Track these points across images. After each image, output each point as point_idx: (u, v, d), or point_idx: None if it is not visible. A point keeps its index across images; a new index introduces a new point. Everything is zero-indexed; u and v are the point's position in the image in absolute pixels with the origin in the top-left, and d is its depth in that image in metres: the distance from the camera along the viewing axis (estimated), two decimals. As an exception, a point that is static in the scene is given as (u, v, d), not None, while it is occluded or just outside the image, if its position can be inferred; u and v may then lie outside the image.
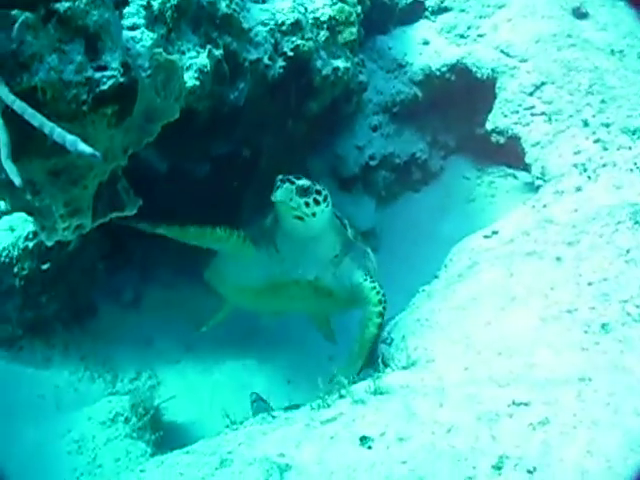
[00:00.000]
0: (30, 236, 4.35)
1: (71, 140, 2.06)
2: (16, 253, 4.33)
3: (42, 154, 2.52)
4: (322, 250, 4.15)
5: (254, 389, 4.67)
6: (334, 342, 4.99)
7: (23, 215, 4.40)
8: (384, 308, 4.10)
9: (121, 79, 2.43)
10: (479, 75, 5.90)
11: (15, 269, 4.35)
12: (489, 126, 5.76)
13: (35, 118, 2.11)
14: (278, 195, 3.76)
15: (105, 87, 2.41)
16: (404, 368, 3.06)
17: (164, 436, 4.17)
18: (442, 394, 2.69)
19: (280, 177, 3.83)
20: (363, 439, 2.49)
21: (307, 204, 3.84)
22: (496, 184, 6.33)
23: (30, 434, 4.10)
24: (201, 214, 4.61)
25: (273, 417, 3.00)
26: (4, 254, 4.33)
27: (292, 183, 3.80)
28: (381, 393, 2.76)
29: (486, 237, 4.37)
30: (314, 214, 3.88)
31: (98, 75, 2.41)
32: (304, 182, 3.84)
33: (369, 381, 2.89)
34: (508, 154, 6.10)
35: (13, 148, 2.21)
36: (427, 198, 6.29)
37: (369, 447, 2.47)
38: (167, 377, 4.85)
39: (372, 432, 2.52)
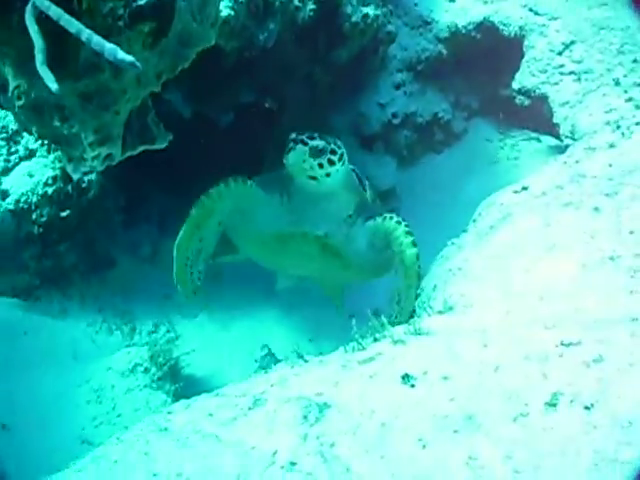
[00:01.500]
0: (50, 182, 4.26)
1: (110, 48, 1.95)
2: (35, 199, 4.24)
3: (72, 75, 2.41)
4: (335, 207, 3.98)
5: (274, 347, 4.61)
6: (341, 313, 4.81)
7: (42, 160, 4.39)
8: (407, 225, 3.95)
9: (159, -5, 2.30)
10: (506, 33, 5.75)
11: (34, 215, 4.27)
12: (516, 85, 5.62)
13: (72, 24, 2.00)
14: (290, 158, 3.61)
15: (142, 2, 2.28)
16: (441, 313, 2.96)
17: (183, 388, 4.12)
18: (485, 336, 2.59)
19: (293, 136, 3.66)
20: (405, 377, 2.39)
21: (321, 165, 3.68)
22: (519, 147, 6.20)
23: (49, 384, 4.06)
24: (222, 164, 4.51)
25: (305, 361, 2.90)
26: (23, 200, 4.24)
27: (305, 144, 3.62)
28: (421, 334, 2.66)
29: (516, 192, 4.24)
30: (328, 174, 3.73)
31: (136, -11, 2.28)
32: (318, 142, 3.66)
33: (406, 325, 2.80)
34: (532, 117, 5.98)
35: (42, 66, 2.10)
36: (449, 160, 6.16)
37: (412, 385, 2.37)
38: (185, 331, 4.78)
39: (414, 371, 2.41)
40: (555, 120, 5.26)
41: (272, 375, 2.86)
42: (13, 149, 4.39)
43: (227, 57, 3.74)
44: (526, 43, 5.60)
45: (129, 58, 1.90)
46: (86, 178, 4.28)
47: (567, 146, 4.81)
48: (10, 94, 2.54)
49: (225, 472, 2.24)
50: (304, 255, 4.15)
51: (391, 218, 3.93)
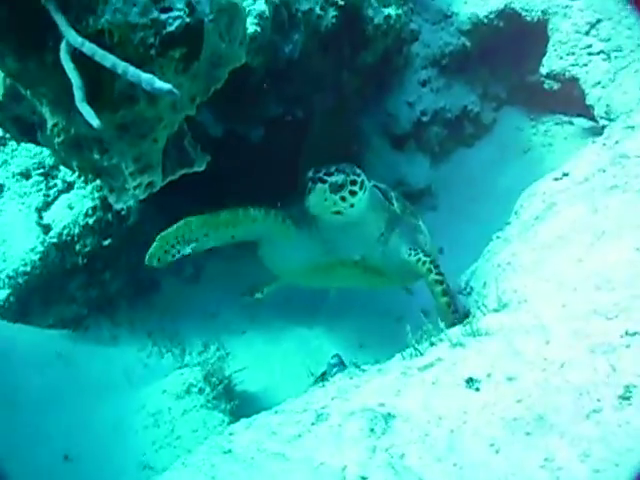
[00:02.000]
0: (90, 212, 4.30)
1: (147, 78, 1.95)
2: (77, 230, 4.29)
3: (109, 107, 2.42)
4: (365, 232, 3.99)
5: (325, 355, 4.57)
6: (411, 292, 4.85)
7: (80, 192, 4.44)
8: (438, 274, 3.92)
9: (187, 19, 2.31)
10: (529, 18, 5.68)
11: (77, 247, 4.31)
12: (544, 70, 5.55)
13: (106, 59, 2.01)
14: (311, 199, 3.61)
15: (172, 28, 2.29)
16: (496, 311, 2.90)
17: (239, 405, 4.11)
18: (545, 331, 2.53)
19: (310, 175, 3.64)
20: (469, 381, 2.35)
21: (343, 199, 3.65)
22: (552, 132, 6.11)
23: (106, 411, 4.07)
24: (257, 180, 4.51)
25: (363, 370, 2.87)
26: (65, 232, 4.29)
27: (324, 182, 3.59)
28: (479, 335, 2.61)
29: (557, 179, 4.16)
30: (352, 205, 3.70)
31: (164, 17, 2.30)
32: (336, 177, 3.62)
33: (461, 327, 2.75)
34: (563, 100, 5.89)
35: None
36: (481, 152, 6.10)
37: (477, 389, 2.33)
38: (235, 348, 4.77)
39: (477, 374, 2.37)
40: (588, 102, 5.17)
41: (330, 388, 2.83)
42: (51, 183, 4.45)
43: (254, 73, 3.74)
44: (550, 26, 5.53)
45: (167, 86, 1.90)
46: (125, 205, 4.30)
47: (603, 127, 4.71)
48: (49, 132, 2.57)
49: (296, 491, 2.23)
50: (346, 277, 4.20)
51: (423, 263, 3.94)
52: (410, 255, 3.97)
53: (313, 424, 2.51)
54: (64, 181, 4.43)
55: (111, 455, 3.84)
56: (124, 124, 2.48)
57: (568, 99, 5.68)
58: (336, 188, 3.61)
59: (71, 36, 2.04)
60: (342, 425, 2.41)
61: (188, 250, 3.93)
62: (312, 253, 4.03)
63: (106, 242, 4.34)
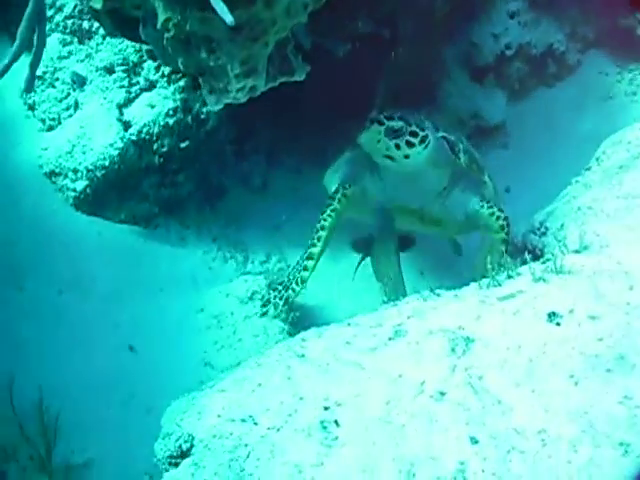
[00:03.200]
0: (170, 113, 4.35)
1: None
2: (156, 130, 4.34)
3: (226, 5, 2.39)
4: (426, 184, 3.96)
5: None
6: (460, 254, 4.83)
7: (162, 92, 4.47)
8: (507, 233, 3.89)
9: None
10: (630, -41, 5.41)
11: (155, 146, 4.38)
12: (640, 15, 5.32)
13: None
14: (362, 137, 3.58)
15: None
16: (577, 252, 2.90)
17: (299, 317, 4.22)
18: (628, 277, 2.54)
19: (372, 115, 3.60)
20: (551, 315, 2.38)
21: (397, 146, 3.60)
22: (638, 81, 5.90)
23: (171, 309, 4.23)
24: (337, 96, 4.48)
25: (437, 295, 2.92)
26: (145, 130, 4.35)
27: (381, 124, 3.54)
28: (562, 272, 2.62)
29: (646, 129, 4.07)
30: (407, 156, 3.65)
31: None
32: (395, 123, 3.56)
33: (544, 263, 2.76)
34: (655, 49, 5.67)
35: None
36: (562, 94, 5.94)
37: (557, 324, 2.36)
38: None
39: (559, 309, 2.40)
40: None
41: (404, 307, 2.88)
42: (134, 80, 4.47)
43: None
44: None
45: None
46: (204, 109, 4.34)
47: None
48: (160, 26, 2.58)
49: (373, 398, 2.31)
50: (405, 222, 4.21)
51: (497, 218, 3.90)
52: (483, 207, 3.94)
53: (390, 339, 2.58)
54: (147, 79, 4.45)
55: (174, 350, 4.01)
56: (238, 25, 2.47)
57: (660, 48, 5.47)
58: (391, 133, 3.57)
59: None
60: (420, 342, 2.47)
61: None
62: (374, 195, 4.05)
63: (183, 144, 4.40)
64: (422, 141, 3.67)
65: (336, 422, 2.28)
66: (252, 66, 2.59)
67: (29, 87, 2.30)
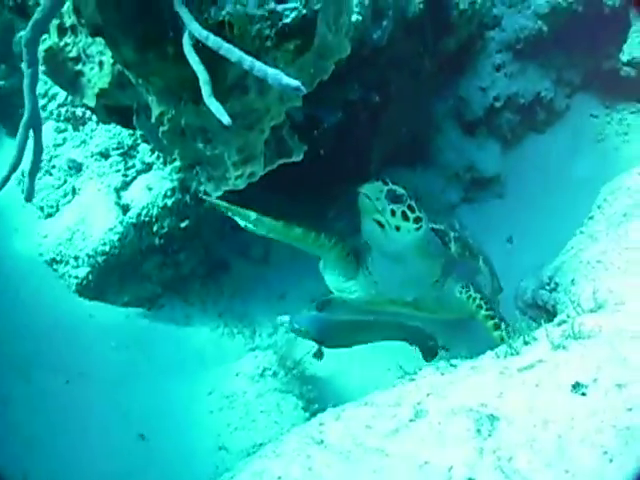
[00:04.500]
0: (169, 194, 4.35)
1: (273, 74, 1.93)
2: (155, 212, 4.33)
3: (218, 97, 2.39)
4: (417, 277, 3.89)
5: (392, 346, 4.59)
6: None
7: (159, 173, 4.48)
8: (489, 309, 3.80)
9: (303, 11, 2.28)
10: (610, 3, 5.50)
11: (155, 227, 4.37)
12: (624, 57, 5.42)
13: (233, 53, 2.00)
14: (366, 187, 3.48)
15: (288, 20, 2.27)
16: (592, 312, 2.84)
17: (311, 390, 4.14)
18: (651, 337, 2.48)
19: (376, 177, 3.58)
20: (576, 386, 2.30)
21: (393, 212, 3.51)
22: (628, 121, 5.95)
23: (180, 391, 4.15)
24: (332, 162, 4.49)
25: (453, 366, 2.85)
26: (144, 213, 4.34)
27: (385, 183, 3.51)
28: (582, 337, 2.56)
29: (642, 174, 4.06)
30: (398, 228, 3.55)
31: (280, 8, 2.27)
32: (399, 189, 3.53)
33: (561, 327, 2.71)
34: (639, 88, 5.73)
35: (187, 92, 2.11)
36: (553, 140, 5.98)
37: (583, 394, 2.28)
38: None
39: (583, 379, 2.33)
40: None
41: (421, 382, 2.81)
42: (130, 163, 4.50)
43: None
44: (634, 12, 5.35)
45: (295, 83, 1.88)
46: (202, 187, 4.33)
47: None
48: (154, 120, 2.58)
49: (401, 489, 2.23)
50: (404, 310, 4.12)
51: (474, 300, 3.84)
52: (461, 294, 3.89)
53: (412, 420, 2.50)
54: (142, 162, 4.48)
55: (186, 435, 3.92)
56: (232, 114, 2.41)
57: (645, 88, 5.53)
58: (392, 197, 3.50)
59: (195, 29, 2.03)
60: (443, 423, 2.39)
61: (242, 224, 4.02)
62: (364, 290, 3.99)
63: (183, 224, 4.39)
64: (416, 221, 3.58)
65: (365, 517, 2.19)
66: (249, 153, 2.58)
67: (29, 196, 2.28)
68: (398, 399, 2.74)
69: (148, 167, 4.45)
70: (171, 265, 4.53)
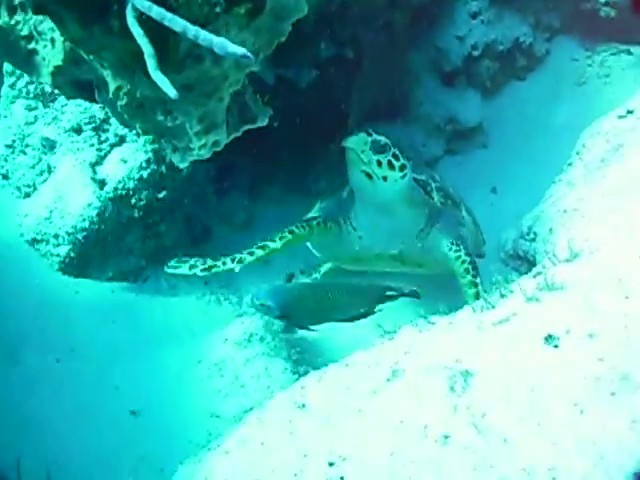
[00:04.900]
0: (144, 165, 4.30)
1: (219, 42, 1.89)
2: (132, 184, 4.30)
3: (174, 67, 2.36)
4: (402, 227, 3.87)
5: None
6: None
7: (133, 145, 4.42)
8: (474, 276, 3.79)
9: (251, -27, 2.21)
10: (586, -59, 5.37)
11: (132, 200, 4.33)
12: (602, -3, 5.28)
13: (176, 23, 1.94)
14: (350, 140, 3.48)
15: (237, -16, 2.19)
16: (567, 261, 2.83)
17: (300, 352, 4.16)
18: (623, 285, 2.46)
19: (358, 128, 3.58)
20: (548, 338, 2.31)
21: (379, 163, 3.53)
22: (609, 63, 5.86)
23: (170, 362, 4.17)
24: (311, 122, 4.44)
25: (432, 323, 2.86)
26: (120, 187, 4.30)
27: (369, 135, 3.50)
28: (555, 289, 2.55)
29: (621, 117, 4.00)
30: (385, 178, 3.57)
31: (227, -28, 2.19)
32: (382, 138, 3.52)
33: (532, 278, 2.70)
34: (620, 28, 5.64)
35: (142, 64, 2.06)
36: (535, 86, 5.91)
37: (555, 346, 2.28)
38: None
39: (556, 330, 2.33)
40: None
41: (400, 341, 2.82)
42: (103, 137, 4.43)
43: (307, 17, 3.61)
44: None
45: (241, 50, 1.83)
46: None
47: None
48: (111, 95, 2.53)
49: (378, 448, 2.24)
50: (386, 268, 4.14)
51: (462, 262, 3.81)
52: (450, 250, 3.87)
53: (388, 380, 2.51)
54: (116, 134, 4.40)
55: (178, 405, 3.95)
56: (189, 84, 2.43)
57: (625, 28, 5.43)
58: (377, 147, 3.51)
59: (137, 0, 1.97)
60: (419, 382, 2.41)
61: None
62: (350, 247, 3.98)
63: (161, 194, 4.35)
64: (401, 169, 3.60)
65: (342, 479, 2.22)
66: (211, 122, 2.54)
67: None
68: (377, 359, 2.75)
69: (121, 140, 4.38)
70: (152, 237, 4.50)
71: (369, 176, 3.58)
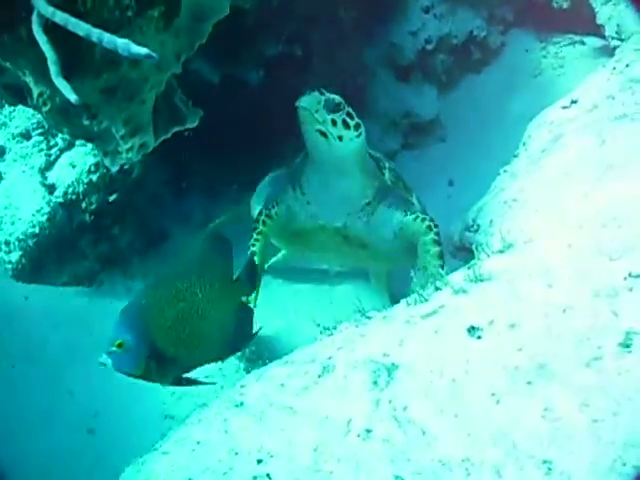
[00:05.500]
0: (92, 169, 4.29)
1: (122, 44, 1.89)
2: (82, 188, 4.29)
3: (92, 72, 2.37)
4: (350, 194, 3.77)
5: (337, 295, 4.63)
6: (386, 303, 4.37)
7: (82, 149, 4.41)
8: (437, 234, 3.76)
9: (163, -25, 2.21)
10: None
11: (83, 204, 4.32)
12: (552, -11, 5.31)
13: (79, 27, 1.95)
14: (303, 100, 3.40)
15: (147, -14, 2.19)
16: (501, 252, 2.86)
17: (255, 351, 4.17)
18: (549, 274, 2.49)
19: (310, 88, 3.49)
20: (471, 329, 2.33)
21: (334, 122, 3.45)
22: (563, 53, 5.89)
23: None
24: (264, 120, 4.45)
25: (368, 317, 2.88)
26: (70, 191, 4.30)
27: (322, 94, 3.45)
28: (482, 280, 2.58)
29: (565, 107, 4.03)
30: (340, 137, 3.49)
31: (138, -25, 2.19)
32: (336, 97, 3.47)
33: (465, 270, 2.73)
34: (573, 19, 5.68)
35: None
36: (490, 78, 5.92)
37: (478, 337, 2.31)
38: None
39: (479, 321, 2.36)
40: (599, 21, 4.96)
41: (338, 337, 2.83)
42: (52, 142, 4.43)
43: (247, 15, 3.63)
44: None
45: (144, 51, 1.83)
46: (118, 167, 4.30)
47: (615, 48, 4.53)
48: (35, 101, 2.53)
49: (303, 445, 2.26)
50: (330, 247, 4.04)
51: (423, 220, 3.77)
52: (407, 214, 3.79)
53: (320, 376, 2.52)
54: (64, 139, 4.38)
55: (134, 407, 3.95)
56: (109, 88, 2.43)
57: (578, 18, 5.47)
58: (332, 106, 3.45)
59: (41, 6, 1.97)
60: (347, 377, 2.43)
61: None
62: (295, 215, 3.92)
63: (112, 197, 4.35)
64: (356, 127, 3.54)
65: (268, 476, 2.23)
66: (136, 125, 2.54)
67: None
68: (314, 355, 2.76)
69: (70, 144, 4.36)
70: (106, 240, 4.49)
71: (324, 135, 3.50)
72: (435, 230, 3.77)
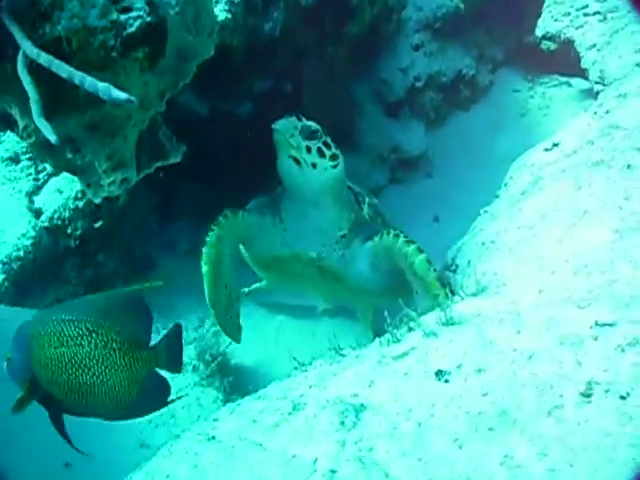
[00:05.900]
0: (79, 195, 4.34)
1: (103, 88, 1.95)
2: (67, 214, 4.33)
3: (77, 108, 2.42)
4: (324, 224, 3.73)
5: (320, 329, 4.66)
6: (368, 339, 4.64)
7: (70, 176, 4.45)
8: (419, 248, 3.62)
9: (148, 19, 2.29)
10: (525, -22, 5.53)
11: (69, 230, 4.36)
12: (539, 32, 5.43)
13: (62, 69, 2.00)
14: (279, 124, 3.39)
15: (132, 29, 2.27)
16: (474, 295, 2.91)
17: (233, 381, 4.19)
18: (518, 320, 2.54)
19: (288, 112, 3.49)
20: (439, 373, 2.37)
21: (308, 149, 3.43)
22: (550, 94, 6.01)
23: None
24: (252, 152, 4.50)
25: (342, 355, 2.91)
26: (56, 216, 4.33)
27: (299, 119, 3.44)
28: (453, 324, 2.62)
29: (547, 150, 4.10)
30: (314, 165, 3.46)
31: (124, 17, 2.28)
32: (313, 125, 3.46)
33: (438, 312, 2.77)
34: (561, 61, 5.77)
35: (46, 106, 2.12)
36: (478, 116, 6.03)
37: (446, 381, 2.35)
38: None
39: (447, 365, 2.40)
40: (583, 65, 5.05)
41: (311, 374, 2.86)
42: (40, 167, 4.48)
43: (235, 52, 3.70)
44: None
45: (124, 95, 1.89)
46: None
47: (598, 93, 4.62)
48: (21, 132, 2.59)
49: (269, 483, 2.29)
50: (305, 278, 4.00)
51: (388, 233, 3.66)
52: (382, 237, 3.67)
53: (290, 413, 2.55)
54: (52, 165, 4.45)
55: (110, 435, 3.94)
56: (93, 123, 2.48)
57: (566, 60, 5.55)
58: (307, 132, 3.43)
59: (27, 47, 2.03)
60: (316, 416, 2.45)
61: (237, 303, 4.10)
62: (273, 243, 3.86)
63: (97, 224, 4.39)
64: (332, 158, 3.51)
65: (234, 515, 2.25)
66: (118, 160, 2.59)
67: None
68: (286, 392, 2.79)
69: (58, 170, 4.43)
70: (90, 266, 4.53)
71: (297, 162, 3.47)
72: (403, 234, 3.65)
